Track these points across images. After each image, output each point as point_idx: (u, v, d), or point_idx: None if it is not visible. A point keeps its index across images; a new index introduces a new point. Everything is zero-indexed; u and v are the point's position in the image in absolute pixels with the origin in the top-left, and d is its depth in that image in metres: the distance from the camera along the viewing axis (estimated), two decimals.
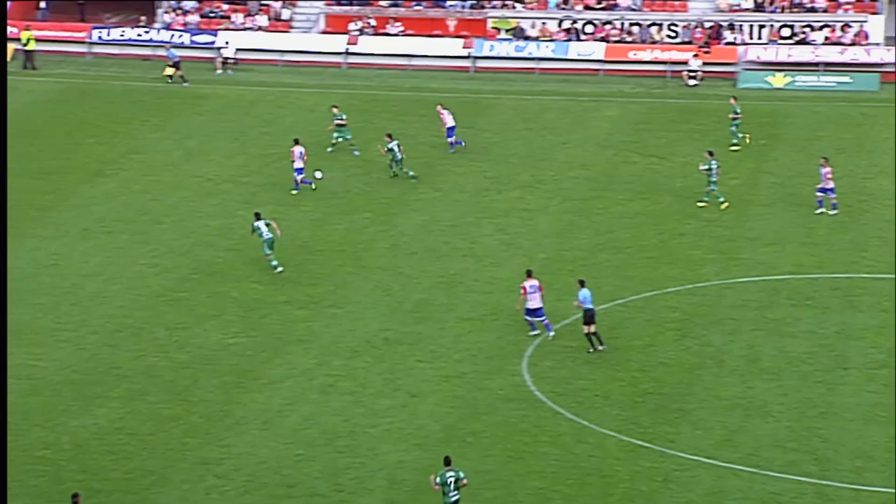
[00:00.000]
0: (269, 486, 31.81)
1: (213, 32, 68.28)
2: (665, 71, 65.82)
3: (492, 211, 49.08)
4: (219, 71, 66.19)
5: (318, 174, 49.57)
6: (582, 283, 38.28)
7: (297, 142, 50.41)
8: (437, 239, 46.51)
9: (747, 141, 54.41)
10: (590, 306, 37.79)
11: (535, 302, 38.50)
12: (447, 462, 29.82)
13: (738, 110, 54.83)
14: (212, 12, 70.16)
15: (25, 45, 65.20)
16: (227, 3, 70.44)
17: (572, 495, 31.56)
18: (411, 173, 51.33)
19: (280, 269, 43.12)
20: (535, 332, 38.93)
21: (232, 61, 66.52)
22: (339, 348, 38.44)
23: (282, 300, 41.47)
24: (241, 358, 37.93)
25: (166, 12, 70.29)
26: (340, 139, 53.73)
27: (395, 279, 43.13)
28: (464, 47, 67.80)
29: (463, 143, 54.88)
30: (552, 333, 38.72)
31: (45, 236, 45.84)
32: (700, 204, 48.46)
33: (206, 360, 37.68)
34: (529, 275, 38.99)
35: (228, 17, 69.75)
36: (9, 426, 33.66)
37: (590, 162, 54.43)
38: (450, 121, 54.64)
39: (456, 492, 29.52)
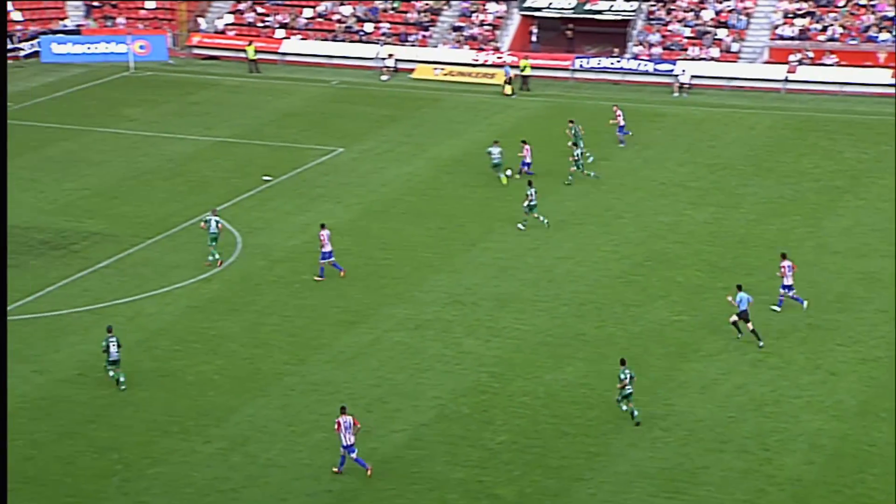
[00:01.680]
0: (705, 441, 31.38)
1: (673, 62, 67.92)
2: None
3: None
4: (675, 94, 65.81)
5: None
6: (739, 288, 36.02)
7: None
8: (859, 241, 44.25)
9: None
10: (744, 308, 35.54)
11: (789, 279, 37.61)
12: (623, 363, 31.96)
13: None
14: (673, 45, 69.82)
15: (523, 70, 67.19)
16: (686, 38, 69.92)
17: None
18: (593, 174, 49.97)
19: (546, 222, 44.89)
20: (778, 309, 37.21)
21: (687, 86, 65.93)
22: (768, 329, 37.35)
23: (720, 286, 40.66)
24: (684, 332, 37.57)
25: (635, 45, 70.54)
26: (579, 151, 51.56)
27: (820, 274, 41.39)
28: (892, 76, 64.09)
29: (624, 142, 54.73)
30: (805, 304, 37.91)
31: (532, 225, 47.03)
32: None
33: (655, 333, 37.58)
34: (784, 257, 38.11)
35: (686, 50, 69.21)
36: (497, 376, 35.13)
37: None
38: (622, 120, 54.74)
39: (630, 385, 31.49)
